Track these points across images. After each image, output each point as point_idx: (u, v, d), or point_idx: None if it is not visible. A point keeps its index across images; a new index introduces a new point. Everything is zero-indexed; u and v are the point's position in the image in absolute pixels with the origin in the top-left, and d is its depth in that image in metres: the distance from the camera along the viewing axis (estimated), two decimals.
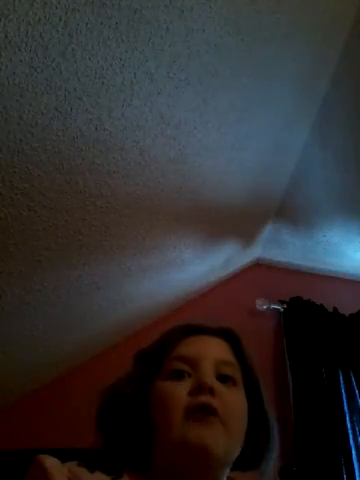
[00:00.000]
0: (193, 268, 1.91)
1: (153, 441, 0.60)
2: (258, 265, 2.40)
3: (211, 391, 0.57)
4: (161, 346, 0.68)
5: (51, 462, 0.51)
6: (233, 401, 0.60)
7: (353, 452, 1.58)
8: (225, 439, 0.55)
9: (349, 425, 1.65)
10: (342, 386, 1.76)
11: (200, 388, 0.57)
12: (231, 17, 1.04)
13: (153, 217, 1.45)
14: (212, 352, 0.64)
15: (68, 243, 1.28)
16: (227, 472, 0.59)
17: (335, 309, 2.05)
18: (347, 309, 2.05)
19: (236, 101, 1.29)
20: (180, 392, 0.58)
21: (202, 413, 0.55)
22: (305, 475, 1.53)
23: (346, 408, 1.69)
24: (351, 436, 1.62)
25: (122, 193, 1.26)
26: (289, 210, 2.06)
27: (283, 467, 1.56)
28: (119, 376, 0.68)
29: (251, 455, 0.62)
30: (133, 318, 1.86)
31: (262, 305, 2.09)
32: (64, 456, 0.55)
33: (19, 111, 0.88)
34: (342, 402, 1.71)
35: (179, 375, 0.60)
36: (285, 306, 2.09)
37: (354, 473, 1.52)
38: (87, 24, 0.83)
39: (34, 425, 1.63)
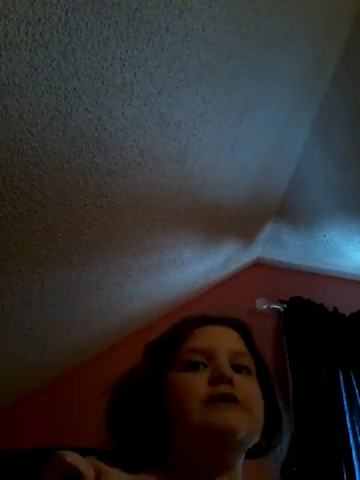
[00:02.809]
0: (193, 268, 1.91)
1: (170, 433, 0.59)
2: (258, 265, 2.40)
3: (230, 382, 0.57)
4: (172, 337, 0.68)
5: (74, 455, 0.50)
6: (251, 390, 0.60)
7: (353, 452, 1.57)
8: (248, 421, 0.55)
9: (349, 425, 1.65)
10: (342, 386, 1.76)
11: (219, 379, 0.57)
12: (231, 17, 1.04)
13: (153, 217, 1.45)
14: (225, 342, 0.64)
15: (68, 243, 1.28)
16: (242, 460, 0.59)
17: (335, 309, 2.05)
18: (347, 309, 2.05)
19: (236, 101, 1.29)
20: (198, 382, 0.58)
21: (223, 401, 0.55)
22: (305, 475, 1.53)
23: (346, 408, 1.69)
24: (351, 436, 1.62)
25: (122, 193, 1.26)
26: (289, 210, 2.06)
27: (283, 467, 1.56)
28: (128, 369, 0.68)
29: (264, 443, 0.62)
30: (133, 318, 1.86)
31: (262, 305, 2.09)
32: None
33: (19, 111, 0.88)
34: (342, 402, 1.70)
35: (194, 366, 0.60)
36: (285, 306, 2.09)
37: (354, 473, 1.52)
38: (87, 24, 0.83)
39: (34, 425, 1.63)
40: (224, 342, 0.64)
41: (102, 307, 1.65)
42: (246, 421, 0.55)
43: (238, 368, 0.61)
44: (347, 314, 2.04)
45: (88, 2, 0.80)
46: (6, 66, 0.80)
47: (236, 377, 0.59)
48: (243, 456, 0.59)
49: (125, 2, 0.85)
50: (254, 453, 0.61)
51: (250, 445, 0.57)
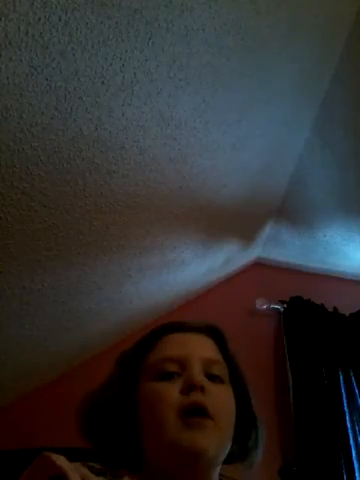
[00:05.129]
0: (193, 268, 1.91)
1: (142, 443, 0.59)
2: (258, 265, 2.40)
3: (202, 389, 0.57)
4: (143, 344, 0.69)
5: (63, 460, 0.50)
6: (222, 398, 0.60)
7: (353, 452, 1.57)
8: (217, 440, 0.55)
9: (349, 425, 1.65)
10: (342, 386, 1.76)
11: (191, 387, 0.57)
12: (231, 17, 1.04)
13: (153, 217, 1.45)
14: (199, 350, 0.64)
15: (68, 243, 1.28)
16: (218, 469, 0.59)
17: (335, 309, 2.05)
18: (347, 309, 2.05)
19: (236, 101, 1.29)
20: (171, 392, 0.58)
21: (194, 417, 0.55)
22: (305, 475, 1.53)
23: (346, 408, 1.69)
24: (351, 436, 1.62)
25: (122, 193, 1.26)
26: (289, 210, 2.06)
27: (283, 467, 1.56)
28: (102, 381, 0.68)
29: (237, 449, 0.62)
30: (133, 318, 1.86)
31: (262, 305, 2.09)
32: (65, 455, 0.55)
33: (19, 111, 0.88)
34: (342, 402, 1.71)
35: (169, 376, 0.60)
36: (285, 306, 2.09)
37: (354, 473, 1.52)
38: (87, 24, 0.83)
39: (34, 425, 1.63)
40: (198, 350, 0.64)
41: (102, 307, 1.65)
42: (215, 441, 0.55)
43: (211, 377, 0.61)
44: (347, 314, 2.04)
45: (88, 2, 0.80)
46: (6, 66, 0.80)
47: (208, 385, 0.59)
48: (219, 467, 0.59)
49: (125, 2, 0.84)
50: (229, 460, 0.61)
51: (222, 459, 0.58)
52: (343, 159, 1.76)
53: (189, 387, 0.57)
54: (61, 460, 0.49)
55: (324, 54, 1.41)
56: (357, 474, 1.52)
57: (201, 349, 0.65)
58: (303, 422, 1.66)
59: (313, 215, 2.04)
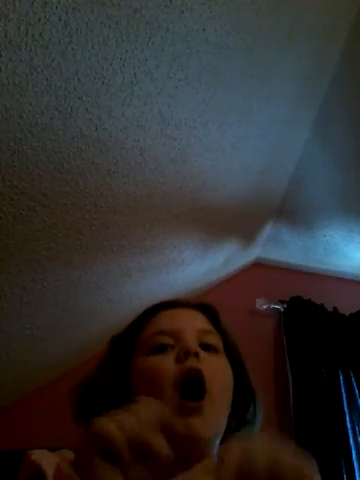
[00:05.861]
0: (193, 268, 1.91)
1: None
2: (258, 265, 2.40)
3: (196, 355, 0.57)
4: (135, 324, 0.69)
5: (37, 453, 0.50)
6: (218, 367, 0.60)
7: (353, 452, 1.57)
8: (213, 419, 0.54)
9: (349, 425, 1.65)
10: (342, 386, 1.76)
11: (186, 353, 0.57)
12: (231, 17, 1.04)
13: (153, 217, 1.45)
14: (192, 323, 0.64)
15: (68, 243, 1.28)
16: (218, 441, 0.58)
17: (335, 309, 2.05)
18: (347, 309, 2.05)
19: (236, 101, 1.29)
20: (166, 363, 0.57)
21: (191, 402, 0.53)
22: None
23: (346, 408, 1.69)
24: (351, 436, 1.62)
25: (122, 193, 1.26)
26: (289, 210, 2.06)
27: None
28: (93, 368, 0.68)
29: (237, 420, 0.62)
30: (133, 318, 1.86)
31: (262, 305, 2.09)
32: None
33: (19, 111, 0.88)
34: (342, 402, 1.70)
35: (162, 349, 0.60)
36: (285, 306, 2.09)
37: (354, 473, 1.52)
38: (87, 24, 0.83)
39: (34, 425, 1.63)
40: (191, 322, 0.64)
41: (102, 307, 1.64)
42: (211, 420, 0.54)
43: (206, 346, 0.61)
44: (347, 314, 2.04)
45: (88, 2, 0.80)
46: (6, 66, 0.80)
47: (203, 354, 0.58)
48: (218, 440, 0.58)
49: (125, 2, 0.84)
50: (230, 429, 0.60)
51: (220, 436, 0.57)
52: (343, 159, 1.76)
53: (184, 353, 0.57)
54: (36, 454, 0.49)
55: (324, 54, 1.41)
56: (357, 474, 1.52)
57: (194, 322, 0.65)
58: (303, 422, 1.66)
59: (313, 215, 2.04)
